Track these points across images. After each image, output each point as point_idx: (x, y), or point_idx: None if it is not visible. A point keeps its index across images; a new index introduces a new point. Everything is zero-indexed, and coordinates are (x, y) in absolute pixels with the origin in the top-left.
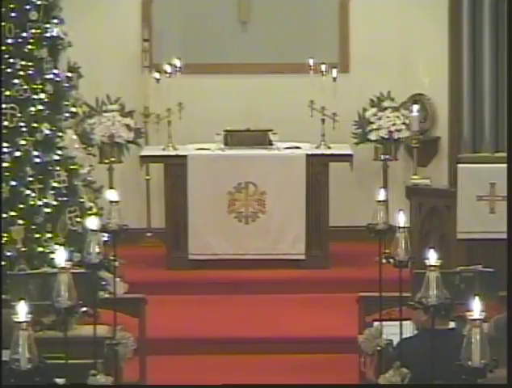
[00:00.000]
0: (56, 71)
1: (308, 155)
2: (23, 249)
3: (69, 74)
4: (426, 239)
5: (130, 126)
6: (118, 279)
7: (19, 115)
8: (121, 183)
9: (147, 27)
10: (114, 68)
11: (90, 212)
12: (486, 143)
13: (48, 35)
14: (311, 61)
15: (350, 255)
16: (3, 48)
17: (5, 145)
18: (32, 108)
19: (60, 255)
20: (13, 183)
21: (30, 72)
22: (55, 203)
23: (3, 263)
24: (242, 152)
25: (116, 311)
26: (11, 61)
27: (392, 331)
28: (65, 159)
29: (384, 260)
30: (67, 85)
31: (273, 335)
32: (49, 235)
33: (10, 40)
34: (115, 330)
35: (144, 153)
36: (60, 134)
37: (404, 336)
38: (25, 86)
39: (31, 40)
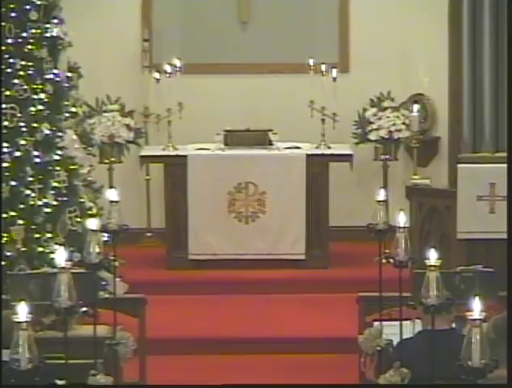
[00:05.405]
0: (56, 71)
1: (308, 155)
2: (23, 249)
3: (69, 74)
4: (426, 239)
5: (130, 126)
6: (118, 279)
7: (19, 115)
8: (121, 183)
9: (147, 27)
10: (114, 68)
11: (90, 213)
12: (486, 143)
13: (48, 35)
14: (311, 61)
15: (350, 255)
16: (3, 48)
17: (5, 145)
18: (32, 108)
19: (60, 255)
20: (13, 183)
21: (30, 72)
22: (55, 203)
23: (3, 263)
24: (242, 152)
25: (116, 311)
26: (11, 61)
27: (392, 331)
28: (64, 159)
29: (384, 260)
30: (67, 85)
31: (273, 335)
32: (49, 235)
33: (10, 40)
34: (115, 330)
35: (144, 153)
36: (60, 134)
37: (404, 336)
38: (25, 86)
39: (31, 40)
